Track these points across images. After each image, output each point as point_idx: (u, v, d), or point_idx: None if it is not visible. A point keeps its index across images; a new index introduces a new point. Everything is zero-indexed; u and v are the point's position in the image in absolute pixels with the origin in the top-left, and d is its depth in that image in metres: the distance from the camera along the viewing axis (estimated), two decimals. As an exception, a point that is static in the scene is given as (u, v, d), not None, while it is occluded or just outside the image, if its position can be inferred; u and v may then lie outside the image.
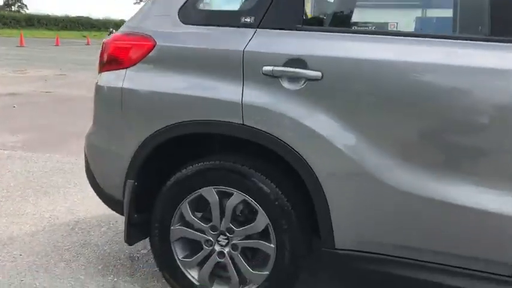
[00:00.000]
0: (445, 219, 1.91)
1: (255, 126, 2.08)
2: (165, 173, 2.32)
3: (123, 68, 2.33)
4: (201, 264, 2.30)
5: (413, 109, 1.92)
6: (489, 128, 1.87)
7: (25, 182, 4.17)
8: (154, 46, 2.27)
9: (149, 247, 2.97)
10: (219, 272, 2.36)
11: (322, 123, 1.99)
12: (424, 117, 1.92)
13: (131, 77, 2.30)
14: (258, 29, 2.15)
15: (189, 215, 2.26)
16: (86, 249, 2.96)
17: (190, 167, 2.24)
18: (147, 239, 3.08)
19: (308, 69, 2.01)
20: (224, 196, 2.21)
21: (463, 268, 1.94)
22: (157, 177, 2.34)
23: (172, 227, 2.30)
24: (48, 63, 15.90)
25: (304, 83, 2.02)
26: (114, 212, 3.51)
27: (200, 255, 2.28)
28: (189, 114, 2.18)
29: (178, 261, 2.32)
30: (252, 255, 2.29)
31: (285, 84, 2.04)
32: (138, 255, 2.91)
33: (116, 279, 2.62)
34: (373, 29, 2.35)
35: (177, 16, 2.30)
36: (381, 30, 2.20)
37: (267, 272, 2.19)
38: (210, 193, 2.21)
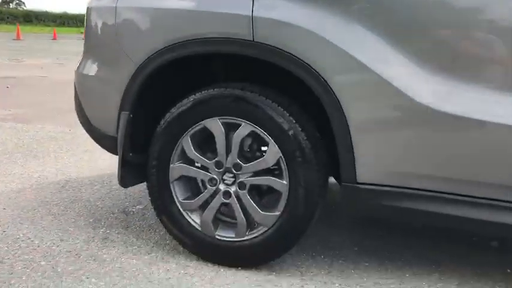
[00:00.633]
0: (485, 142, 1.66)
1: (267, 43, 1.83)
2: (163, 105, 2.07)
3: (115, -12, 2.08)
4: (203, 207, 2.05)
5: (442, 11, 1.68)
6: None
7: (14, 147, 3.91)
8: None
9: (145, 202, 2.74)
10: (223, 218, 2.12)
11: (351, 37, 1.74)
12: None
13: (125, -5, 2.05)
14: None
15: (191, 150, 2.00)
16: (76, 205, 2.71)
17: (193, 95, 1.99)
18: (143, 195, 2.85)
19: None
20: (230, 128, 1.96)
21: (504, 201, 1.70)
22: (155, 109, 2.09)
23: (171, 165, 2.04)
24: (45, 53, 15.63)
25: (327, -11, 1.76)
26: (109, 173, 3.31)
27: (203, 196, 2.03)
28: (190, 31, 1.92)
29: (178, 204, 2.06)
30: (260, 197, 2.04)
31: (300, -7, 1.79)
32: (134, 209, 2.66)
33: (108, 231, 2.37)
34: None
35: None
36: None
37: (278, 213, 1.94)
38: (215, 124, 1.95)
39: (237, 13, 1.86)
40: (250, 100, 1.91)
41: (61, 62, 12.93)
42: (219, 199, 2.00)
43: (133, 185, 2.24)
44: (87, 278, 1.93)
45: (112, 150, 2.20)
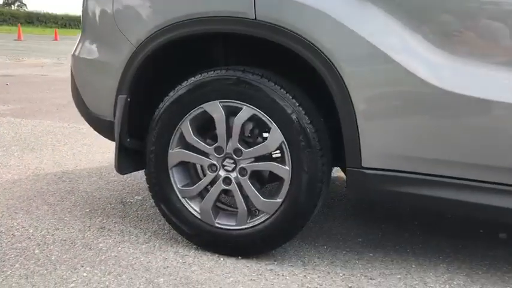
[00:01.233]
0: (495, 124, 1.60)
1: (270, 22, 1.76)
2: (162, 89, 2.01)
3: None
4: (203, 195, 1.98)
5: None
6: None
7: (11, 140, 3.85)
8: None
9: (144, 193, 2.67)
10: (222, 206, 2.06)
11: (361, 17, 1.67)
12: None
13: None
14: None
15: (190, 135, 1.94)
16: (73, 195, 2.64)
17: (192, 78, 1.93)
18: (141, 187, 2.79)
19: None
20: (231, 112, 1.89)
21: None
22: (153, 93, 2.03)
23: (170, 151, 1.98)
24: (45, 53, 15.59)
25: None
26: (107, 165, 3.24)
27: (203, 183, 1.96)
28: (189, 9, 1.86)
29: (177, 191, 2.00)
30: (262, 184, 1.97)
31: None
32: (132, 200, 2.59)
33: (104, 221, 2.30)
34: None
35: None
36: None
37: (280, 200, 1.87)
38: (215, 108, 1.89)
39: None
40: (252, 82, 1.84)
41: (61, 61, 12.89)
42: (219, 186, 1.93)
43: (131, 172, 2.18)
44: (82, 266, 1.86)
45: (109, 135, 2.14)
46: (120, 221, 2.31)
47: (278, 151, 1.86)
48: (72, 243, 2.06)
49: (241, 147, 1.89)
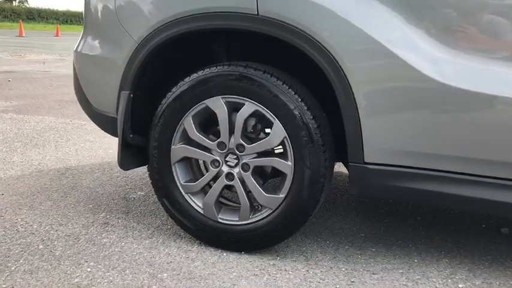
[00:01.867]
0: (498, 120, 1.60)
1: (272, 17, 1.76)
2: (164, 84, 2.01)
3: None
4: (205, 190, 1.99)
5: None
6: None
7: (14, 137, 3.86)
8: None
9: (146, 189, 2.68)
10: (225, 202, 2.06)
11: (365, 13, 1.67)
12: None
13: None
14: None
15: (193, 131, 1.94)
16: (76, 191, 2.65)
17: (195, 74, 1.93)
18: (144, 182, 2.80)
19: None
20: (234, 108, 1.90)
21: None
22: (156, 89, 2.03)
23: (173, 146, 1.98)
24: (47, 49, 15.59)
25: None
26: (110, 161, 3.25)
27: (205, 178, 1.97)
28: (191, 4, 1.86)
29: (179, 186, 2.00)
30: (264, 180, 1.98)
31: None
32: (135, 196, 2.60)
33: (108, 216, 2.31)
34: None
35: None
36: None
37: (283, 195, 1.87)
38: (218, 103, 1.89)
39: (239, -16, 1.80)
40: (255, 78, 1.84)
41: (63, 57, 12.89)
42: (221, 181, 1.94)
43: (133, 168, 2.18)
44: (86, 261, 1.87)
45: (111, 131, 2.15)
46: (123, 216, 2.32)
47: (280, 146, 1.87)
48: (76, 238, 2.07)
49: (243, 143, 1.90)
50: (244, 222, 1.94)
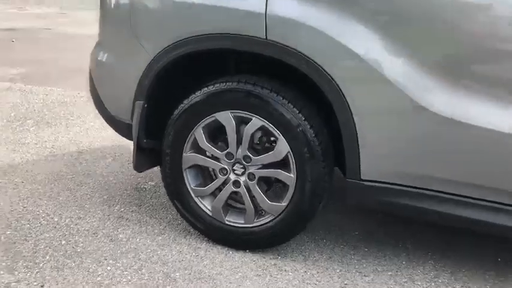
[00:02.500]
0: (482, 147, 1.75)
1: (280, 42, 1.88)
2: (177, 95, 2.14)
3: (131, -23, 2.12)
4: (214, 194, 2.17)
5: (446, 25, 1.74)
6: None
7: (25, 112, 4.00)
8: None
9: (157, 179, 2.86)
10: (233, 203, 2.24)
11: (363, 41, 1.79)
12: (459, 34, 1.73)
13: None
14: None
15: (203, 141, 2.10)
16: (91, 179, 2.83)
17: (206, 88, 2.06)
18: (154, 171, 2.96)
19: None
20: (241, 121, 2.04)
21: (496, 202, 1.80)
22: (169, 99, 2.17)
23: (184, 154, 2.14)
24: (47, 2, 15.40)
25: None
26: (120, 144, 3.41)
27: (214, 184, 2.14)
28: (203, 26, 1.98)
29: (190, 190, 2.18)
30: (269, 186, 2.15)
31: (316, -6, 1.83)
32: (146, 186, 2.78)
33: (122, 209, 2.50)
34: None
35: None
36: None
37: (285, 204, 2.05)
38: (227, 118, 2.04)
39: (250, 10, 1.90)
40: (262, 96, 1.98)
41: (64, 11, 12.77)
42: (229, 188, 2.11)
43: (148, 169, 2.35)
44: (105, 259, 2.07)
45: (125, 135, 2.30)
46: (136, 209, 2.50)
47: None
48: (94, 233, 2.26)
49: (250, 155, 2.05)
50: (249, 225, 2.13)
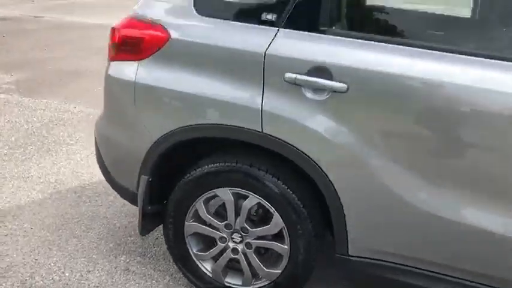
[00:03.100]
0: (454, 237, 1.94)
1: (274, 135, 2.03)
2: (179, 169, 2.30)
3: (134, 60, 2.23)
4: (215, 258, 2.35)
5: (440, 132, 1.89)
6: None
7: (25, 136, 4.13)
8: (167, 39, 2.15)
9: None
10: (232, 264, 2.43)
11: (346, 136, 1.95)
12: (452, 141, 1.89)
13: (143, 71, 2.20)
14: (280, 29, 2.03)
15: (204, 213, 2.27)
16: (96, 223, 3.00)
17: (206, 167, 2.22)
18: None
19: (333, 80, 1.93)
20: (240, 197, 2.21)
21: (470, 281, 2.01)
22: (172, 172, 2.32)
23: (186, 223, 2.32)
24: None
25: (328, 94, 1.95)
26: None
27: (214, 251, 2.33)
28: (204, 116, 2.12)
29: (192, 254, 2.36)
30: (265, 252, 2.34)
31: (308, 94, 1.97)
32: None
33: (128, 261, 2.68)
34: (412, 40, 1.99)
35: (192, 5, 2.16)
36: (423, 43, 1.92)
37: (280, 271, 2.25)
38: (225, 194, 2.20)
39: (248, 106, 2.04)
40: (259, 177, 2.14)
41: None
42: (228, 255, 2.30)
43: (153, 230, 2.52)
44: (117, 321, 2.27)
45: (130, 201, 2.46)
46: (141, 260, 2.69)
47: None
48: (104, 290, 2.46)
49: (247, 226, 2.23)
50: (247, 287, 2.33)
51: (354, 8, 2.31)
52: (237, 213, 2.24)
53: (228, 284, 2.36)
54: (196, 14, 2.15)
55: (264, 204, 2.17)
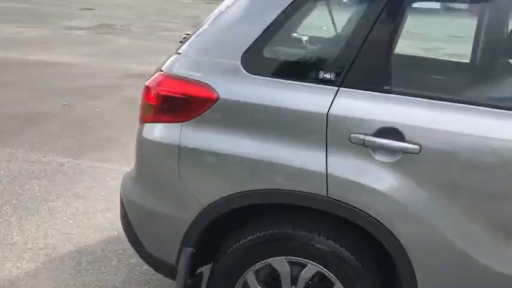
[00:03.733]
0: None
1: (341, 200, 1.91)
2: (226, 237, 2.10)
3: (177, 122, 2.03)
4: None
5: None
6: None
7: (-3, 193, 3.71)
8: (217, 99, 1.98)
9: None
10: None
11: (418, 197, 1.86)
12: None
13: (189, 133, 2.01)
14: (341, 88, 1.93)
15: (255, 285, 2.08)
16: (105, 296, 2.70)
17: (258, 233, 2.04)
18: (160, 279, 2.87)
19: (404, 141, 1.85)
20: (296, 265, 2.05)
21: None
22: (218, 241, 2.12)
23: (235, 295, 2.11)
24: None
25: (399, 155, 1.86)
26: (114, 236, 3.24)
27: (266, 325, 2.14)
28: (262, 181, 1.96)
29: (240, 330, 2.16)
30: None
31: (377, 155, 1.87)
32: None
33: None
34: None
35: (240, 63, 2.01)
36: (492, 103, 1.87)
37: None
38: (282, 264, 2.03)
39: (311, 169, 1.91)
40: (318, 244, 1.99)
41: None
42: (283, 330, 2.12)
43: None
44: None
45: (166, 274, 2.22)
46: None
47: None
48: None
49: (305, 299, 2.07)
50: None
51: (419, 67, 2.26)
52: (293, 283, 2.07)
53: None
54: (246, 72, 2.00)
55: (324, 273, 2.02)
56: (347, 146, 1.89)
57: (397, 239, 1.90)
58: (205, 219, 2.02)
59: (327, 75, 1.95)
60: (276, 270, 2.06)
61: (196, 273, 2.22)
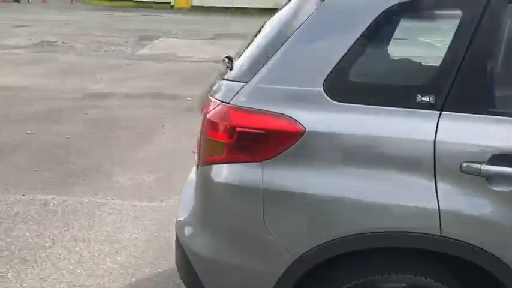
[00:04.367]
0: None
1: (457, 238, 1.70)
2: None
3: (254, 161, 1.75)
4: None
5: None
6: None
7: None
8: (303, 133, 1.72)
9: None
10: None
11: None
12: None
13: (274, 174, 1.74)
14: (443, 112, 1.73)
15: None
16: None
17: (363, 279, 1.77)
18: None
19: (524, 168, 1.67)
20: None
21: None
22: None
23: None
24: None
25: (518, 183, 1.68)
26: (132, 282, 2.86)
27: None
28: (365, 224, 1.72)
29: None
30: None
31: (494, 185, 1.68)
32: None
33: None
34: None
35: (323, 90, 1.76)
36: None
37: None
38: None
39: (420, 206, 1.70)
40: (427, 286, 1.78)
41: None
42: None
43: None
44: None
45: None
46: None
47: None
48: None
49: None
50: None
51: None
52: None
53: None
54: (330, 100, 1.76)
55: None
56: (459, 177, 1.69)
57: None
58: (296, 272, 1.75)
59: (426, 99, 1.74)
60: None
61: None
